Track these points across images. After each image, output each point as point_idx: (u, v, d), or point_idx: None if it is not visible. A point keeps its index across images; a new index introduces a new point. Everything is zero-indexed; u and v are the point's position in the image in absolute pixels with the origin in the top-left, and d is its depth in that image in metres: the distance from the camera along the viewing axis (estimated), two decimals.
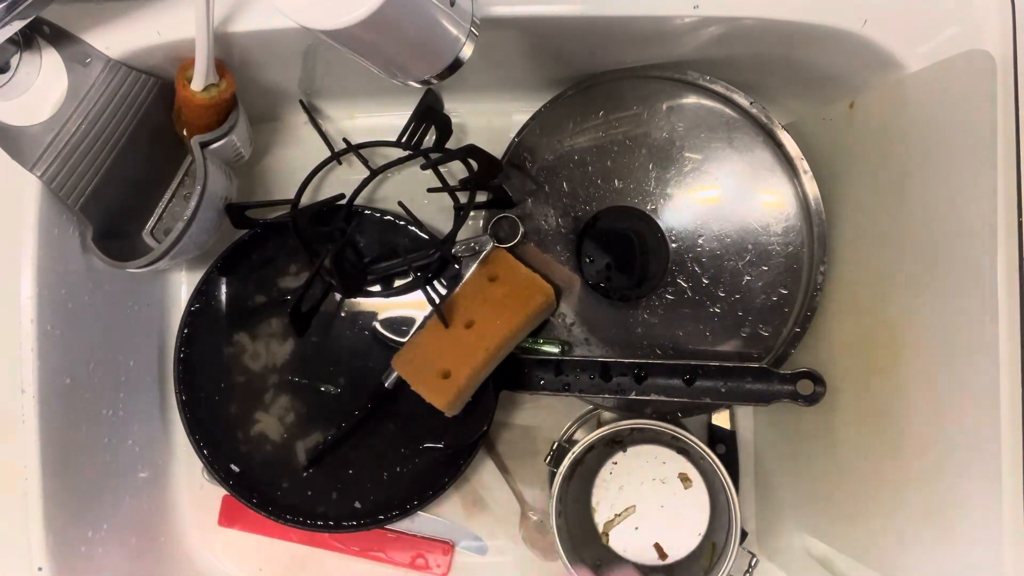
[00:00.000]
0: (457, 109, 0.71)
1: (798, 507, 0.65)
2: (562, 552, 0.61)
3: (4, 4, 0.42)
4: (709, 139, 0.59)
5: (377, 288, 0.66)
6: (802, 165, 0.58)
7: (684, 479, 0.65)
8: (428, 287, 0.62)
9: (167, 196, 0.62)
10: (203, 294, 0.67)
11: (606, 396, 0.62)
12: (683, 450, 0.65)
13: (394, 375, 0.64)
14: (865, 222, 0.57)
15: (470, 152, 0.57)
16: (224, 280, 0.67)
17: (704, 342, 0.61)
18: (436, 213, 0.70)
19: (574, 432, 0.70)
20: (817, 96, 0.63)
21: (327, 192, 0.69)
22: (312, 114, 0.68)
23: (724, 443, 0.69)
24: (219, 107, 0.54)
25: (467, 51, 0.45)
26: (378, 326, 0.67)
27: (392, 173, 0.71)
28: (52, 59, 0.51)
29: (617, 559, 0.65)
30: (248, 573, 0.71)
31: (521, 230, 0.62)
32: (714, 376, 0.60)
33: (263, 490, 0.66)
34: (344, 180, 0.71)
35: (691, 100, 0.60)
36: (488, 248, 0.63)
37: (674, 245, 0.60)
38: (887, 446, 0.53)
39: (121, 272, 0.58)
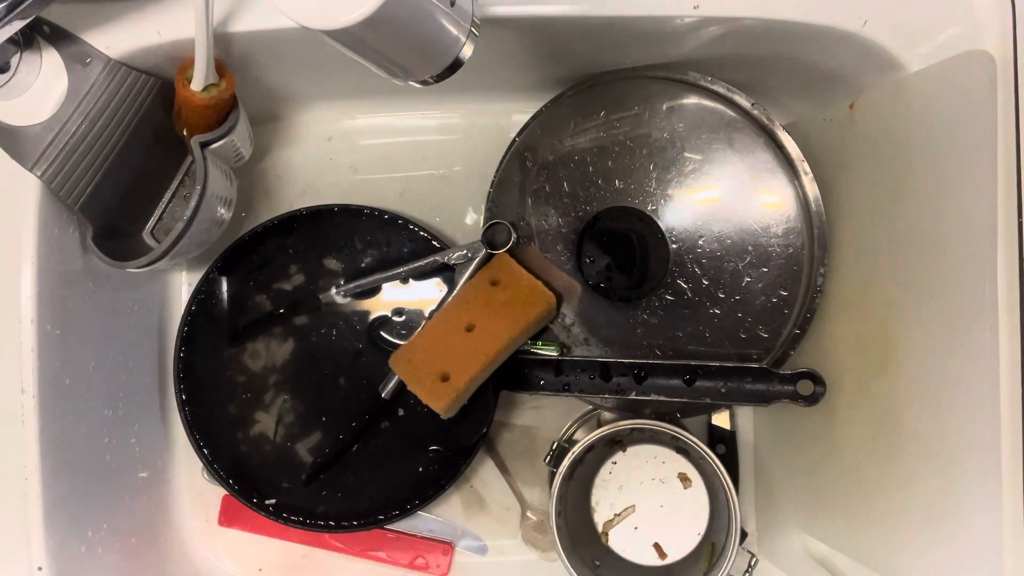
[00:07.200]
0: (457, 109, 0.71)
1: (798, 507, 0.65)
2: (562, 552, 0.61)
3: (4, 4, 0.42)
4: (710, 140, 0.59)
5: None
6: (803, 167, 0.58)
7: (684, 479, 0.65)
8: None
9: (167, 196, 0.62)
10: (203, 294, 0.67)
11: (606, 396, 0.62)
12: (683, 450, 0.65)
13: (391, 385, 0.64)
14: (865, 223, 0.57)
15: None
16: (224, 280, 0.67)
17: (704, 343, 0.61)
18: (435, 211, 0.70)
19: (574, 432, 0.70)
20: (817, 96, 0.63)
21: (326, 197, 0.69)
22: None
23: (724, 443, 0.69)
24: (219, 107, 0.54)
25: (467, 51, 0.45)
26: (377, 326, 0.67)
27: (394, 172, 0.71)
28: (52, 59, 0.50)
29: (617, 559, 0.65)
30: (248, 573, 0.71)
31: (514, 236, 0.62)
32: (714, 376, 0.60)
33: (263, 490, 0.66)
34: (342, 181, 0.71)
35: (692, 101, 0.60)
36: (481, 254, 0.63)
37: (674, 246, 0.60)
38: (887, 446, 0.53)
39: (121, 272, 0.58)
